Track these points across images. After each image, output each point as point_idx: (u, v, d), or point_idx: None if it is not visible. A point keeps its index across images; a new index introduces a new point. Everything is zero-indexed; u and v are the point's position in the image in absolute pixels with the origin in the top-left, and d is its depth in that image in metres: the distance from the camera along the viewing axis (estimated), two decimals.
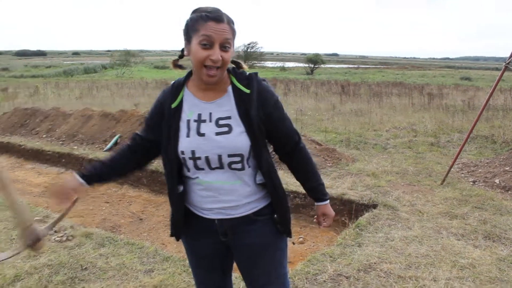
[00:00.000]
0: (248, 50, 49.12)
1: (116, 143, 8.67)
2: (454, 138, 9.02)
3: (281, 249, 1.94)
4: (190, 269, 3.49)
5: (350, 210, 5.04)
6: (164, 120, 1.80)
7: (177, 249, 4.34)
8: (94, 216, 5.81)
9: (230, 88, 1.76)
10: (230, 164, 1.74)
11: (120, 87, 23.15)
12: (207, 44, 1.62)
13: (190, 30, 1.66)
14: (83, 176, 1.86)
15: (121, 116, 9.55)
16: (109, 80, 31.17)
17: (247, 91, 1.74)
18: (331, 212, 2.02)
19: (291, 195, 5.58)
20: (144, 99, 16.58)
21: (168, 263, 3.64)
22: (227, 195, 1.78)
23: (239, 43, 54.92)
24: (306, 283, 3.31)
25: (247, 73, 1.80)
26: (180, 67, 1.86)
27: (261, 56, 52.13)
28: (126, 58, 54.80)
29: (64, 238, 4.23)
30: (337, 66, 73.65)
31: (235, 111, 1.73)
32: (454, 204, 4.97)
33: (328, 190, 5.85)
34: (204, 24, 1.61)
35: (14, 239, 4.22)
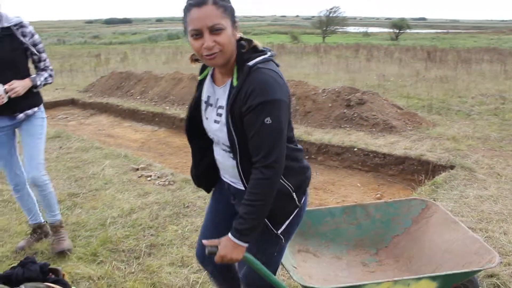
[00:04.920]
0: (330, 15, 48.05)
1: None
2: None
3: (264, 238, 1.83)
4: None
5: (427, 170, 5.24)
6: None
7: None
8: (187, 168, 6.41)
9: (232, 76, 1.69)
10: (225, 150, 1.80)
11: None
12: (197, 34, 1.56)
13: (184, 24, 1.61)
14: None
15: None
16: None
17: (235, 83, 1.64)
18: (221, 248, 1.72)
19: (371, 155, 5.85)
20: None
21: None
22: (228, 172, 1.88)
23: (322, 8, 54.03)
24: None
25: (248, 63, 1.62)
26: (198, 61, 1.76)
27: (344, 21, 50.80)
28: None
29: (167, 183, 4.88)
30: (424, 31, 70.09)
31: (226, 102, 1.69)
32: None
33: (406, 151, 6.20)
34: (189, 14, 1.55)
35: None
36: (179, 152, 7.23)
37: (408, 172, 5.48)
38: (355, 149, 6.07)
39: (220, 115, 1.72)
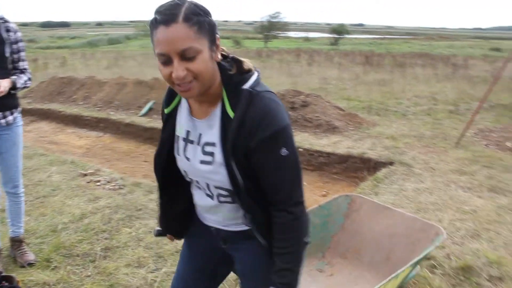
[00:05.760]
0: (272, 20, 48.86)
1: (150, 109, 9.27)
2: (473, 106, 9.32)
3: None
4: None
5: (369, 167, 5.56)
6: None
7: None
8: (135, 172, 6.44)
9: (220, 104, 1.37)
10: (218, 196, 1.48)
11: (146, 58, 23.71)
12: (165, 60, 1.22)
13: (152, 41, 1.25)
14: None
15: (154, 84, 10.13)
16: (134, 51, 31.80)
17: (231, 114, 1.32)
18: None
19: (315, 154, 6.10)
20: None
21: None
22: (217, 217, 1.56)
23: (264, 13, 54.80)
24: None
25: (242, 86, 1.32)
26: None
27: (285, 27, 51.77)
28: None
29: (117, 187, 4.87)
30: (362, 36, 72.83)
31: (219, 137, 1.37)
32: (465, 163, 5.44)
33: (349, 150, 6.54)
34: (155, 33, 1.21)
35: None
36: (126, 158, 7.17)
37: (351, 169, 5.78)
38: (301, 149, 6.30)
39: (210, 154, 1.39)
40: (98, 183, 5.01)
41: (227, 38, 52.00)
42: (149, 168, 6.63)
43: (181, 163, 1.50)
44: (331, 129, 7.15)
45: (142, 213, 4.12)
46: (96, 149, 7.72)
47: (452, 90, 11.65)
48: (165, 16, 1.18)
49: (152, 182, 5.15)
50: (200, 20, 1.21)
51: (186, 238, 1.77)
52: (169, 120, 1.52)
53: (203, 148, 1.41)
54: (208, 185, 1.47)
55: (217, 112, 1.37)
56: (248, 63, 1.38)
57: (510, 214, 3.97)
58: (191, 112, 1.45)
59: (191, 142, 1.45)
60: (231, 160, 1.34)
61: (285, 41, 51.82)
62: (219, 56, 1.30)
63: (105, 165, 6.42)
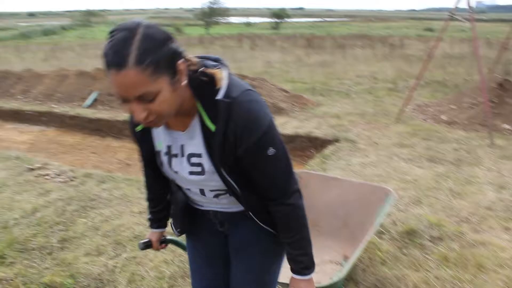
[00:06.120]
0: (212, 6, 48.38)
1: (95, 100, 9.07)
2: (411, 83, 9.80)
3: (271, 256, 1.63)
4: None
5: (316, 145, 5.78)
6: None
7: None
8: (84, 164, 6.33)
9: (197, 115, 1.32)
10: (215, 195, 1.49)
11: (85, 49, 22.96)
12: (124, 100, 1.14)
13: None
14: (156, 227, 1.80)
15: (97, 74, 9.89)
16: (72, 42, 30.63)
17: (212, 127, 1.28)
18: None
19: None
20: None
21: None
22: (217, 204, 1.56)
23: (204, 0, 53.98)
24: None
25: (218, 97, 1.23)
26: None
27: (226, 12, 51.43)
28: (87, 18, 53.58)
29: (68, 179, 4.79)
30: (303, 20, 73.70)
31: (203, 149, 1.34)
32: (406, 137, 5.78)
33: (296, 130, 6.75)
34: (108, 73, 1.10)
35: None
36: (73, 151, 7.02)
37: (299, 148, 5.98)
38: None
39: (198, 165, 1.38)
40: (47, 177, 4.91)
41: (168, 26, 51.16)
42: (98, 159, 6.55)
43: (168, 174, 1.49)
44: (278, 111, 7.31)
45: (96, 203, 4.10)
46: (41, 144, 7.50)
47: (390, 69, 12.15)
48: (114, 58, 1.06)
49: (103, 172, 5.11)
50: (155, 58, 1.09)
51: (188, 236, 1.77)
52: (144, 136, 1.45)
53: (188, 159, 1.39)
54: (202, 190, 1.47)
55: (195, 123, 1.33)
56: (219, 73, 1.28)
57: (447, 181, 4.30)
58: (167, 125, 1.40)
59: (175, 155, 1.41)
60: (221, 169, 1.34)
61: (226, 26, 51.52)
62: (184, 81, 1.20)
63: (52, 159, 6.26)
